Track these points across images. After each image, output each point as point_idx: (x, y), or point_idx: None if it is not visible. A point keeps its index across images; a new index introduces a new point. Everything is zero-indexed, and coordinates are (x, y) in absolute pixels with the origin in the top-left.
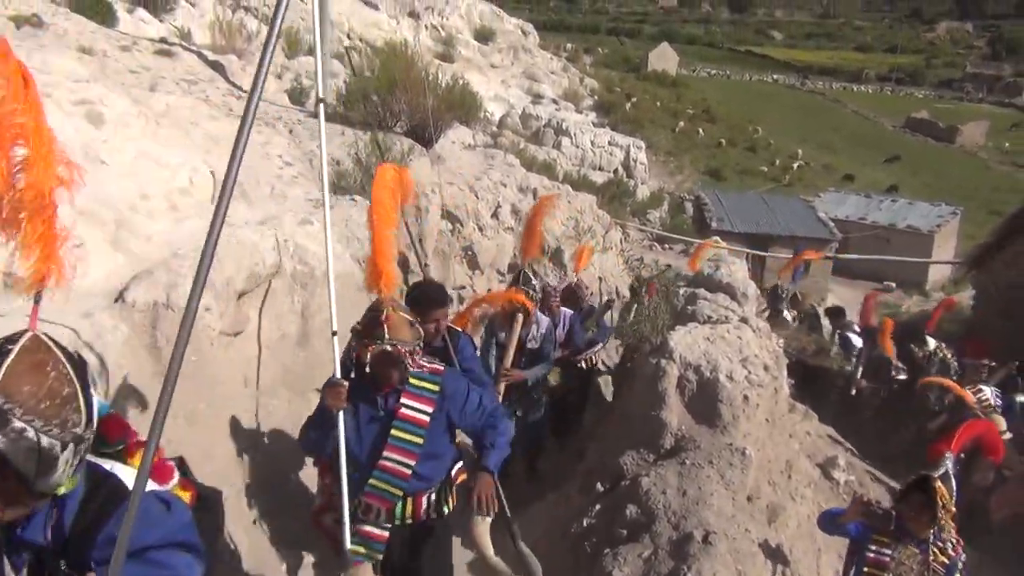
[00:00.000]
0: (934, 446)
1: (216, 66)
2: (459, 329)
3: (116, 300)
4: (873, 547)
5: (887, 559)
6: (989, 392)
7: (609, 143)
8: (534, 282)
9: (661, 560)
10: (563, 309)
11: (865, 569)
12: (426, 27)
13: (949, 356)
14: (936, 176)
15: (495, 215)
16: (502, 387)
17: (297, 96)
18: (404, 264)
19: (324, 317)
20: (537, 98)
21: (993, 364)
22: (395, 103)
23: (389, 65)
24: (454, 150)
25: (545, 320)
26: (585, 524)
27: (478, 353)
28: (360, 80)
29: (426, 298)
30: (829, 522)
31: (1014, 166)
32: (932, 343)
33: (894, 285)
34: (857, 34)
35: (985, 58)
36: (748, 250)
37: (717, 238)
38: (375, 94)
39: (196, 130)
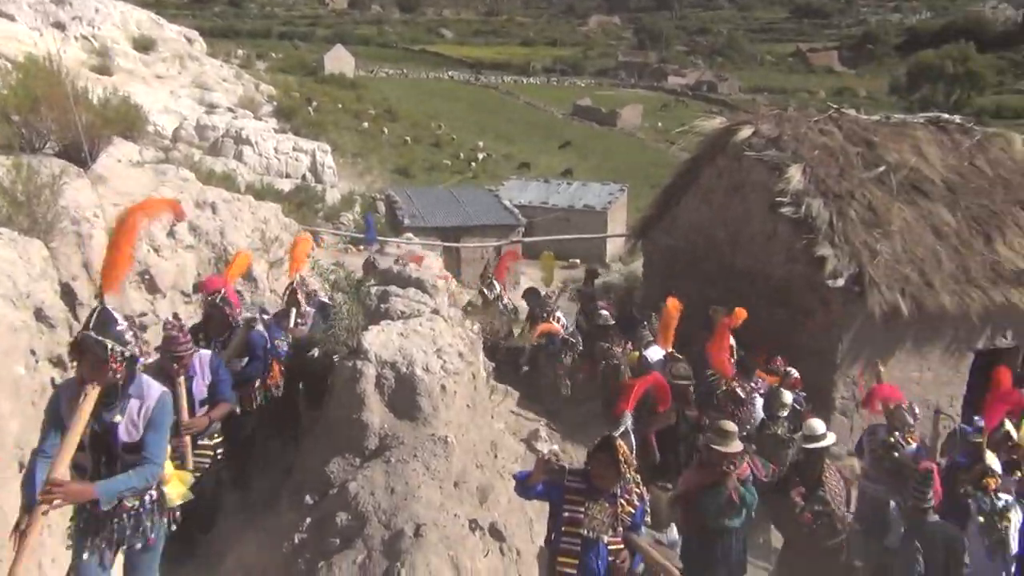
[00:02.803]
0: (616, 406)
1: None
2: None
3: None
4: (568, 507)
5: (581, 515)
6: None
7: (294, 149)
8: (122, 330)
9: (375, 562)
10: (201, 353)
11: (564, 528)
12: (75, 38)
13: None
14: (603, 158)
15: (171, 234)
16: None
17: None
18: (72, 297)
19: None
20: (211, 108)
21: None
22: (40, 122)
23: (30, 81)
24: (118, 168)
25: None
26: (297, 540)
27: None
28: None
29: None
30: (521, 486)
31: (667, 143)
32: (498, 287)
33: (579, 261)
34: (521, 30)
35: (633, 48)
36: (441, 243)
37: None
38: (15, 113)
39: None
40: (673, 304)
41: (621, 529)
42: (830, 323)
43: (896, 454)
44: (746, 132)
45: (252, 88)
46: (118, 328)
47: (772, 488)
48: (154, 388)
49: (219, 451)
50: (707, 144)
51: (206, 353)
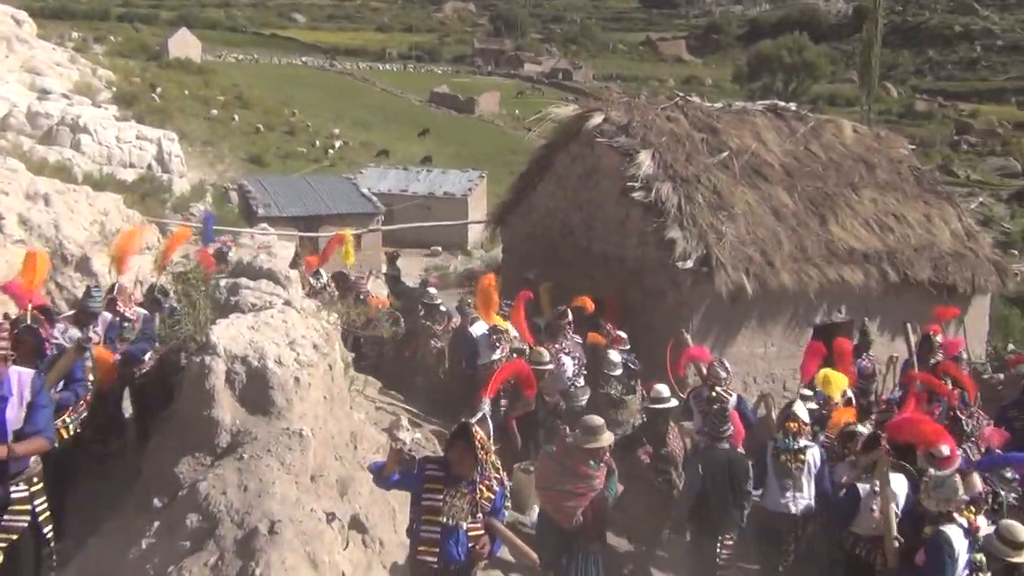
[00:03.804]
0: (477, 392)
1: None
2: None
3: None
4: (427, 495)
5: (440, 503)
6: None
7: (137, 137)
8: None
9: (228, 563)
10: (20, 371)
11: (423, 517)
12: None
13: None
14: (462, 145)
15: None
16: None
17: None
18: None
19: None
20: (44, 94)
21: None
22: None
23: None
24: None
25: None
26: (144, 545)
27: None
28: None
29: None
30: (378, 477)
31: (524, 130)
32: (325, 276)
33: (440, 249)
34: (375, 15)
35: (489, 35)
36: (297, 233)
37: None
38: None
39: None
40: (487, 279)
41: (481, 515)
42: (681, 303)
43: (722, 406)
44: (597, 119)
45: (89, 73)
46: None
47: (619, 445)
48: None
49: (39, 505)
50: (560, 131)
51: (28, 372)
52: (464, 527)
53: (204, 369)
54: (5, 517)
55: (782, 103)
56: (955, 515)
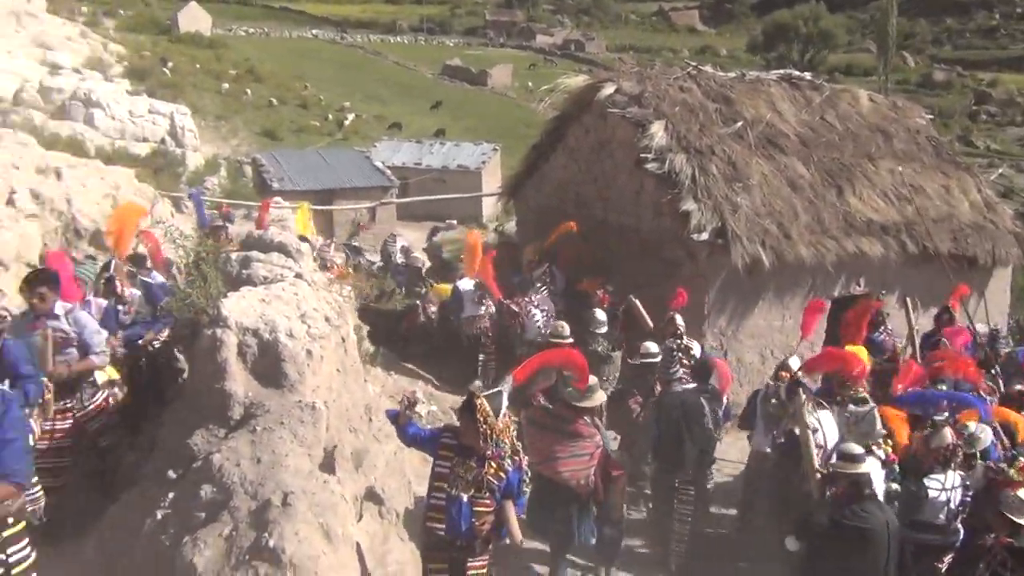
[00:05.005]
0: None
1: None
2: None
3: None
4: (438, 462)
5: (447, 471)
6: None
7: (150, 112)
8: None
9: (242, 534)
10: None
11: (434, 483)
12: None
13: None
14: (475, 118)
15: (10, 202)
16: None
17: None
18: None
19: None
20: (55, 69)
21: None
22: None
23: None
24: None
25: None
26: (160, 516)
27: None
28: None
29: None
30: (396, 427)
31: (537, 102)
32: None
33: (455, 222)
34: None
35: (500, 6)
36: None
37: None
38: None
39: None
40: (472, 235)
41: (489, 493)
42: (697, 275)
43: (692, 353)
44: (609, 89)
45: (100, 48)
46: None
47: (611, 399)
48: None
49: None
50: (572, 102)
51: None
52: (465, 499)
53: (216, 342)
54: None
55: (797, 72)
56: (874, 448)
